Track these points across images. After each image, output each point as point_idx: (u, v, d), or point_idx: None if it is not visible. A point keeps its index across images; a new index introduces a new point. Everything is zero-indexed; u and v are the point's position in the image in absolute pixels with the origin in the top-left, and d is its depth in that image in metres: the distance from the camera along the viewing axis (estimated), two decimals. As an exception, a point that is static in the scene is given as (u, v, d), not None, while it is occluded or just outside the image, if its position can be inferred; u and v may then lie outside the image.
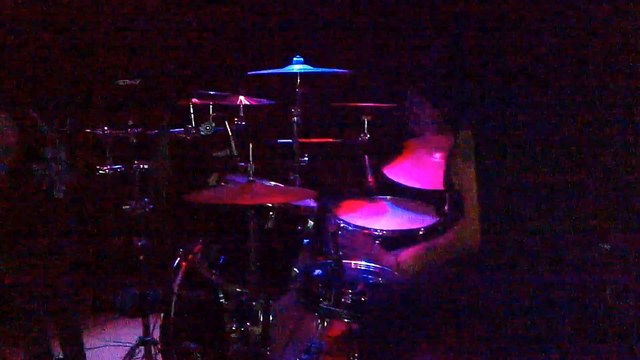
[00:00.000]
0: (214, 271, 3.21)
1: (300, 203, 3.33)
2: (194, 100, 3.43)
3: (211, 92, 3.49)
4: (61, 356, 3.34)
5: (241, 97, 3.74)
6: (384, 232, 3.10)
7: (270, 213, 3.18)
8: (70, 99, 3.39)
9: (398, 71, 4.37)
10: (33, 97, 3.09)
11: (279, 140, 3.76)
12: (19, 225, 3.05)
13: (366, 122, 3.64)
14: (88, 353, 3.50)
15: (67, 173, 3.12)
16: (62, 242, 3.24)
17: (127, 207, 3.36)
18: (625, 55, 3.02)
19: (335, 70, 3.56)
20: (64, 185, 3.09)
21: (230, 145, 3.45)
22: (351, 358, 2.76)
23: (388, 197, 3.55)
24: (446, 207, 2.88)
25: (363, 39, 4.60)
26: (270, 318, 2.97)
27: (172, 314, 3.23)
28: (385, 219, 3.31)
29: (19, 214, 3.05)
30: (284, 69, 3.49)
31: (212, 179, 3.49)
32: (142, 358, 3.43)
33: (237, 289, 3.09)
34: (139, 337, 3.43)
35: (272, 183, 3.42)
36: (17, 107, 2.99)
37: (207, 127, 3.33)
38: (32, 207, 3.07)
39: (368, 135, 3.62)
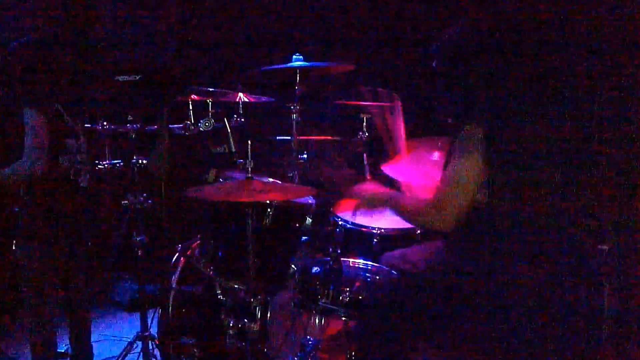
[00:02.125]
0: (211, 267, 3.22)
1: (299, 200, 3.34)
2: (193, 96, 3.43)
3: (210, 89, 3.50)
4: (63, 349, 3.37)
5: (240, 94, 3.74)
6: (382, 230, 3.12)
7: (269, 210, 3.19)
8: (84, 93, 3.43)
9: (399, 70, 4.38)
10: (56, 92, 3.13)
11: (277, 138, 3.76)
12: (48, 215, 3.10)
13: (365, 120, 3.65)
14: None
15: (89, 163, 3.19)
16: (84, 232, 3.29)
17: (126, 202, 3.37)
18: (635, 56, 3.03)
19: (334, 63, 3.56)
20: (87, 174, 3.15)
21: (228, 141, 3.45)
22: (348, 355, 2.78)
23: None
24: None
25: (363, 38, 4.60)
26: (268, 314, 2.99)
27: (169, 309, 3.25)
28: (383, 218, 3.32)
29: (49, 205, 3.09)
30: (283, 66, 3.50)
31: (211, 175, 3.50)
32: (140, 353, 3.45)
33: (235, 285, 3.10)
34: (137, 332, 3.45)
35: (271, 180, 3.42)
36: (44, 102, 3.04)
37: (206, 124, 3.34)
38: (62, 198, 3.12)
39: (367, 134, 3.63)
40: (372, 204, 2.75)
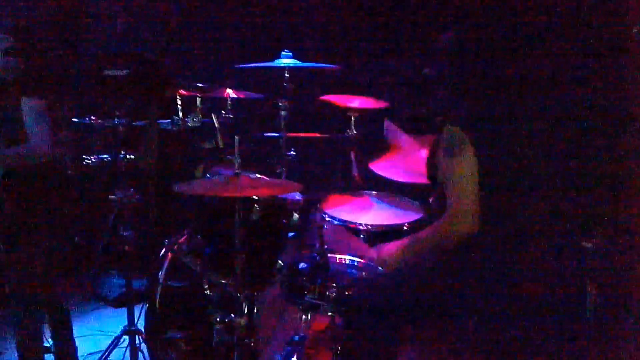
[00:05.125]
0: (199, 262, 3.22)
1: (286, 196, 3.35)
2: (182, 91, 3.43)
3: (199, 84, 3.50)
4: (49, 344, 3.36)
5: (229, 90, 3.75)
6: (369, 226, 3.13)
7: (256, 206, 3.20)
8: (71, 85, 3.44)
9: (387, 67, 4.39)
10: (53, 83, 3.14)
11: (266, 134, 3.77)
12: (34, 209, 3.10)
13: (353, 117, 3.66)
14: (72, 342, 3.51)
15: (74, 157, 3.19)
16: (67, 225, 3.28)
17: (114, 197, 3.37)
18: (617, 56, 3.07)
19: (324, 65, 3.58)
20: (72, 168, 3.16)
21: (216, 137, 3.45)
22: (334, 351, 2.79)
23: (373, 192, 3.57)
24: (431, 200, 2.91)
25: (353, 34, 4.61)
26: (255, 310, 2.99)
27: (157, 304, 3.25)
28: (370, 214, 3.33)
29: (37, 199, 3.10)
30: (272, 62, 3.51)
31: (198, 171, 3.50)
32: (127, 347, 3.45)
33: (222, 280, 3.11)
34: (124, 327, 3.45)
35: (258, 176, 3.43)
36: (47, 93, 3.05)
37: (194, 119, 3.34)
38: (50, 190, 3.13)
39: (355, 131, 3.64)
40: (400, 262, 2.70)
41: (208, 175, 3.45)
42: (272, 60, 3.51)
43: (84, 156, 3.31)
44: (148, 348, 3.37)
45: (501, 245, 2.40)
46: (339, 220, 3.14)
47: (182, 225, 3.54)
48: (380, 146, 3.51)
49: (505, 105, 2.47)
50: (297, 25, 4.66)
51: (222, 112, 3.68)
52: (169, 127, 3.33)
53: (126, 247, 3.43)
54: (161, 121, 3.35)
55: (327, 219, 3.17)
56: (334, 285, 2.74)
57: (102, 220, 4.64)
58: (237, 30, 4.85)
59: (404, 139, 3.47)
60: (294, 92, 3.58)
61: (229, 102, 3.71)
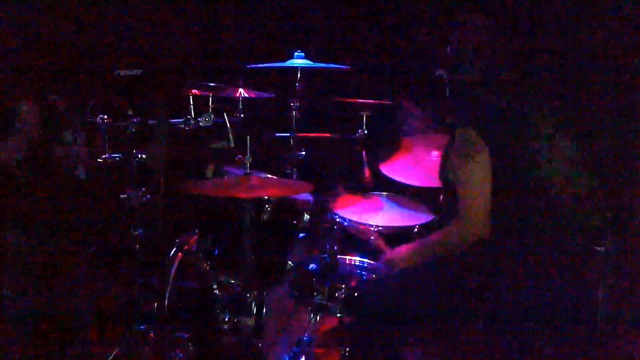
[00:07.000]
0: (208, 262, 3.22)
1: (297, 197, 3.34)
2: (194, 91, 3.43)
3: (211, 84, 3.50)
4: None
5: (240, 90, 3.74)
6: (379, 228, 3.11)
7: (266, 206, 3.19)
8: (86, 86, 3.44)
9: (398, 68, 4.37)
10: (56, 82, 3.14)
11: (277, 134, 3.76)
12: (41, 206, 3.09)
13: (364, 118, 3.65)
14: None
15: (87, 156, 3.18)
16: (82, 224, 3.28)
17: (124, 196, 3.37)
18: (629, 57, 3.04)
19: (336, 66, 3.57)
20: (84, 167, 3.15)
21: (228, 137, 3.45)
22: (342, 352, 2.78)
23: (384, 193, 3.56)
24: (442, 202, 2.90)
25: (364, 35, 4.60)
26: (263, 310, 2.99)
27: (165, 303, 3.25)
28: (381, 215, 3.32)
29: (41, 195, 3.09)
30: (284, 63, 3.50)
31: (209, 171, 3.50)
32: (134, 347, 3.44)
33: (231, 281, 3.11)
34: (132, 326, 3.44)
35: (269, 176, 3.42)
36: (39, 92, 3.04)
37: (206, 119, 3.33)
38: (55, 188, 3.12)
39: (366, 131, 3.63)
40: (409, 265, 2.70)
41: (219, 175, 3.45)
42: (285, 60, 3.50)
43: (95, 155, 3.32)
44: (155, 347, 3.36)
45: (511, 248, 2.38)
46: (349, 221, 3.13)
47: (192, 225, 3.53)
48: (390, 147, 3.50)
49: (519, 108, 2.45)
50: (309, 26, 4.65)
51: (234, 112, 3.67)
52: (181, 127, 3.33)
53: (136, 247, 3.42)
54: (173, 121, 3.34)
55: (338, 220, 3.15)
56: (343, 286, 2.74)
57: (113, 219, 4.65)
58: (249, 30, 4.84)
59: (416, 140, 3.46)
60: (305, 93, 3.57)
61: (241, 102, 3.71)
